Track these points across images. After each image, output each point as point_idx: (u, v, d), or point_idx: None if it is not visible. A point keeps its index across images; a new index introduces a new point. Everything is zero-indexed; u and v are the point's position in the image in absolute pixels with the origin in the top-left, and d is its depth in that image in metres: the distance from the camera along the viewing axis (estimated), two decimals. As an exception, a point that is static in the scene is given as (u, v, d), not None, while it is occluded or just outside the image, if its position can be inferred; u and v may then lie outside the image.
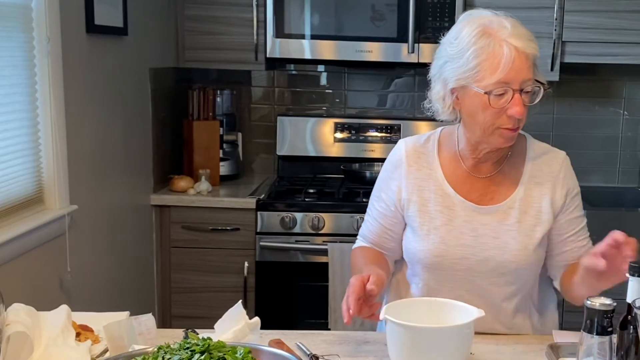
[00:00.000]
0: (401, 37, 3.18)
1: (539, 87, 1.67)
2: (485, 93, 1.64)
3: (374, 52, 3.22)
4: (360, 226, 1.97)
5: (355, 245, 1.96)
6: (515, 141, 1.79)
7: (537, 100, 1.69)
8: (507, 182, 1.80)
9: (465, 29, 1.68)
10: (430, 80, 1.77)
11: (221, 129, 3.45)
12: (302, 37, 3.23)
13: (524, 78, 1.65)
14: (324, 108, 3.72)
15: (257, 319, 1.56)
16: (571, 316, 3.14)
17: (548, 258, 1.84)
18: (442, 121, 1.81)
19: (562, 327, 2.93)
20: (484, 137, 1.72)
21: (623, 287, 1.38)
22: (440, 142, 1.86)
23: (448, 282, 1.80)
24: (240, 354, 1.30)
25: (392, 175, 1.86)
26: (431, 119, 1.83)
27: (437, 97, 1.76)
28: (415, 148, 1.86)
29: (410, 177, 1.83)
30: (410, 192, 1.82)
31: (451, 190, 1.80)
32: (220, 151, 3.46)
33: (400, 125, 3.56)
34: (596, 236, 3.03)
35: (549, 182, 1.80)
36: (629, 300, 1.36)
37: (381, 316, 1.50)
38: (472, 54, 1.65)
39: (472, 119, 1.72)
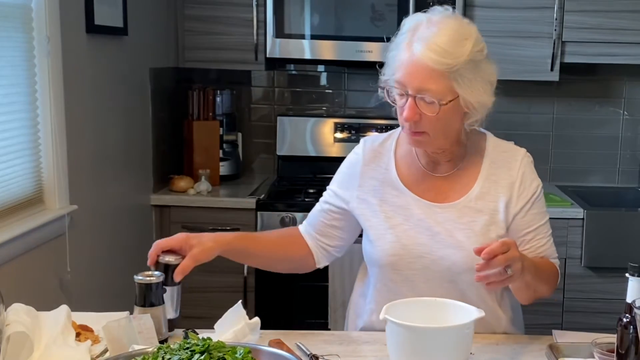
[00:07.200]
0: (401, 37, 3.18)
1: (433, 101, 1.62)
2: (382, 86, 1.68)
3: (374, 52, 3.21)
4: None
5: (299, 225, 1.95)
6: (475, 139, 1.80)
7: (436, 113, 1.63)
8: (463, 181, 1.79)
9: (406, 23, 1.70)
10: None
11: (221, 129, 3.45)
12: (302, 37, 3.23)
13: (419, 86, 1.62)
14: (324, 108, 3.72)
15: (257, 319, 1.57)
16: (571, 316, 3.15)
17: None
18: None
19: (562, 327, 2.94)
20: (404, 134, 1.74)
21: (623, 287, 1.38)
22: (398, 141, 1.86)
23: (405, 282, 1.78)
24: (240, 354, 1.30)
25: (349, 171, 1.86)
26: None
27: (380, 83, 1.77)
28: (373, 147, 1.86)
29: (365, 176, 1.83)
30: (365, 192, 1.82)
31: (405, 189, 1.79)
32: (220, 151, 3.45)
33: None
34: (596, 236, 3.08)
35: (506, 181, 1.77)
36: (629, 300, 1.36)
37: (381, 316, 1.50)
38: (393, 47, 1.69)
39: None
